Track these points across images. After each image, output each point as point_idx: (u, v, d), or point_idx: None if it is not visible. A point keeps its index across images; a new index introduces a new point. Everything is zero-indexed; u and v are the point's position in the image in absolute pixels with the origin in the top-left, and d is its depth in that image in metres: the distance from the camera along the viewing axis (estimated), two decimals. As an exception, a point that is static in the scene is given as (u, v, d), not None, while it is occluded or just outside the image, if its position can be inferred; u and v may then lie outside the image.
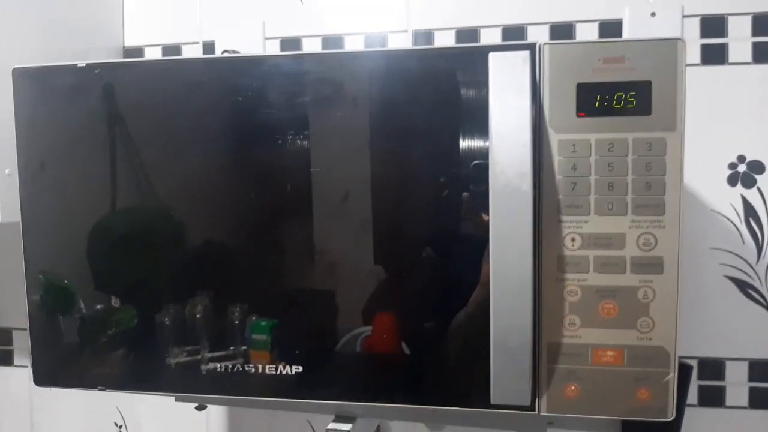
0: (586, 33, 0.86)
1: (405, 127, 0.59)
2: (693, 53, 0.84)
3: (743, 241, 0.85)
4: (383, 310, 0.60)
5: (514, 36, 0.88)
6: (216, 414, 1.00)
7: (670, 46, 0.53)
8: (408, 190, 0.59)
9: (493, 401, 0.53)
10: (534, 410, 0.56)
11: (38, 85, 0.64)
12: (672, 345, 0.54)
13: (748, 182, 0.84)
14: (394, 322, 0.60)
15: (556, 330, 0.55)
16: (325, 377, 0.61)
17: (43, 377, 0.67)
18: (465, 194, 0.56)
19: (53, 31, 0.83)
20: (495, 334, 0.52)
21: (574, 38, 0.87)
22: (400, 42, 0.91)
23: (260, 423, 0.98)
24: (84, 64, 0.62)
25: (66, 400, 1.05)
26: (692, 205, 0.84)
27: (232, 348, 0.62)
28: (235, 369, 0.62)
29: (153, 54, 0.99)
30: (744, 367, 0.85)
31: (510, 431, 0.68)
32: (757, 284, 0.84)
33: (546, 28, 0.87)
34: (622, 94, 0.54)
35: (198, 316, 0.63)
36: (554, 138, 0.54)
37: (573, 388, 0.55)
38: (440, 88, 0.57)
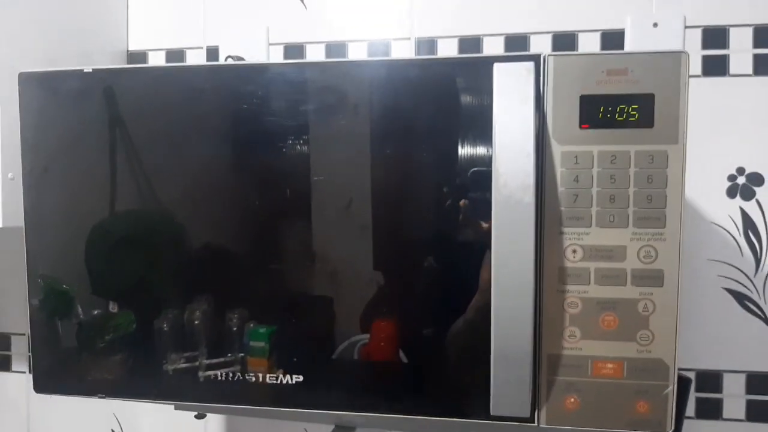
0: (589, 43, 0.87)
1: (406, 135, 0.59)
2: (694, 64, 0.84)
3: (742, 253, 0.85)
4: (381, 317, 0.60)
5: (516, 45, 0.88)
6: (214, 422, 0.99)
7: (674, 59, 0.53)
8: (408, 198, 0.60)
9: (492, 412, 0.53)
10: (533, 422, 0.56)
11: (44, 90, 0.64)
12: (671, 358, 0.54)
13: (747, 194, 0.84)
14: (392, 330, 0.60)
15: (556, 342, 0.55)
16: (324, 386, 0.61)
17: (44, 384, 0.67)
18: (463, 201, 0.56)
19: (57, 35, 0.83)
20: (496, 344, 0.52)
21: (577, 48, 0.87)
22: (403, 49, 0.91)
23: (258, 429, 0.98)
24: (90, 70, 0.62)
25: (63, 406, 1.04)
26: (691, 216, 0.84)
27: (230, 355, 0.62)
28: (234, 378, 0.62)
29: (157, 58, 0.99)
30: (741, 379, 0.85)
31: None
32: (755, 296, 0.85)
33: (549, 38, 0.88)
34: (625, 107, 0.54)
35: (196, 322, 0.62)
36: (557, 149, 0.55)
37: (572, 400, 0.55)
38: (443, 98, 0.58)
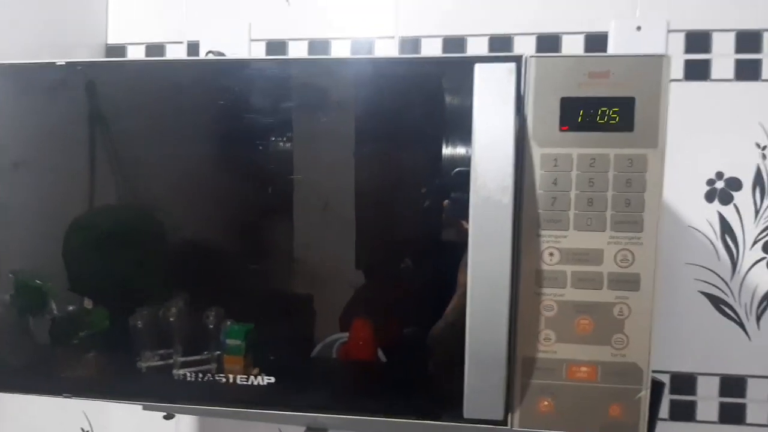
0: (573, 45, 0.87)
1: (389, 134, 0.58)
2: (676, 68, 0.85)
3: (719, 257, 0.85)
4: (361, 316, 0.59)
5: (500, 45, 0.88)
6: (185, 421, 0.98)
7: (655, 63, 0.53)
8: (391, 197, 0.59)
9: (466, 415, 0.53)
10: (507, 425, 0.55)
11: (14, 83, 0.62)
12: (645, 362, 0.54)
13: (725, 199, 0.85)
14: (372, 329, 0.59)
15: (531, 344, 0.55)
16: (298, 388, 0.60)
17: (7, 382, 0.65)
18: (446, 202, 0.56)
19: (35, 28, 0.81)
20: (470, 347, 0.52)
21: (560, 50, 0.87)
22: (387, 48, 0.91)
23: (230, 430, 0.97)
24: (63, 63, 0.61)
25: (32, 404, 1.02)
26: (669, 220, 0.85)
27: (206, 353, 0.61)
28: (206, 378, 0.61)
29: (136, 52, 0.97)
30: (715, 382, 0.86)
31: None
32: (730, 300, 0.85)
33: (533, 39, 0.88)
34: (605, 110, 0.54)
35: (172, 319, 0.61)
36: (537, 152, 0.54)
37: (546, 403, 0.55)
38: (425, 97, 0.57)
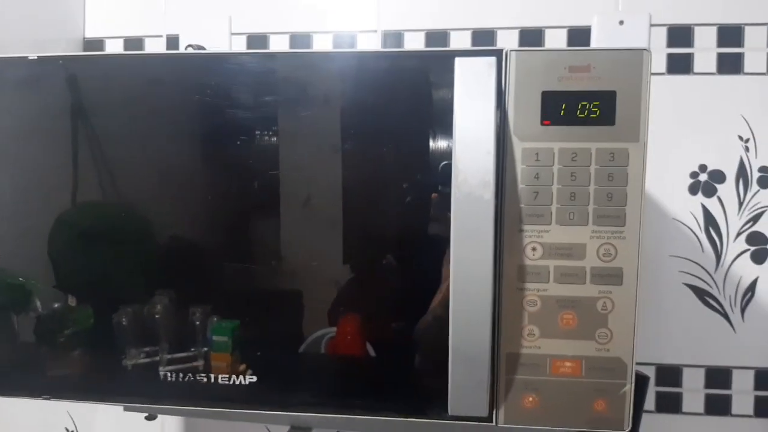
0: (556, 39, 0.87)
1: (374, 128, 0.58)
2: (659, 62, 0.85)
3: (702, 249, 0.86)
4: (349, 310, 0.59)
5: (483, 39, 0.88)
6: (171, 421, 0.97)
7: (636, 57, 0.53)
8: (377, 191, 0.58)
9: (450, 412, 0.53)
10: (492, 422, 0.55)
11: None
12: (629, 357, 0.54)
13: (709, 191, 0.85)
14: (359, 323, 0.59)
15: (515, 340, 0.55)
16: (283, 385, 0.60)
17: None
18: (434, 195, 0.56)
19: (11, 21, 0.79)
20: (454, 344, 0.51)
21: (544, 44, 0.87)
22: (370, 42, 0.90)
23: (217, 430, 0.96)
24: (35, 57, 0.60)
25: (14, 404, 1.01)
26: (653, 212, 0.85)
27: (192, 349, 0.61)
28: (190, 377, 0.61)
29: (114, 46, 0.95)
30: (701, 373, 0.86)
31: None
32: (714, 292, 0.86)
33: (516, 33, 0.87)
34: (586, 104, 0.53)
35: (157, 316, 0.61)
36: (518, 146, 0.54)
37: (531, 399, 0.55)
38: (408, 91, 0.57)
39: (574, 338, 0.54)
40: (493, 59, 0.51)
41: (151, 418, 0.81)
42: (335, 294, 0.59)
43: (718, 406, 0.86)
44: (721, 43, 0.84)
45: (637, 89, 0.53)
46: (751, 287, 0.85)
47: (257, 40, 0.92)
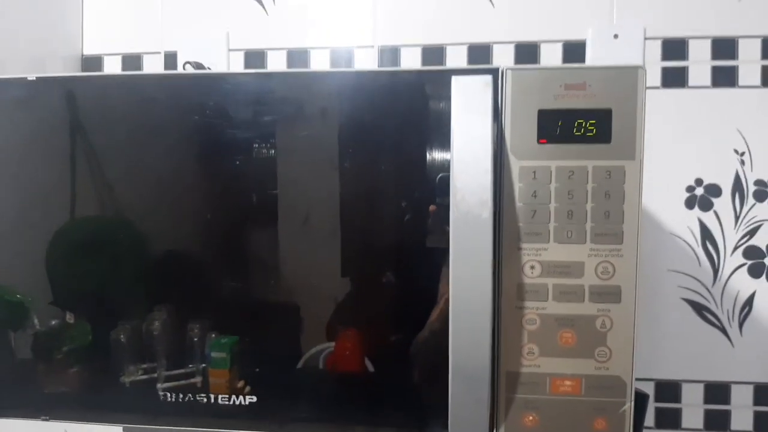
0: (551, 53, 0.87)
1: (371, 146, 0.58)
2: (654, 75, 0.85)
3: (700, 263, 0.86)
4: (348, 325, 0.59)
5: (479, 54, 0.88)
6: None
7: (631, 74, 0.53)
8: (375, 206, 0.59)
9: (451, 430, 0.52)
10: (492, 441, 0.55)
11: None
12: (629, 375, 0.54)
13: (705, 205, 0.86)
14: (357, 338, 0.59)
15: (514, 359, 0.55)
16: (281, 403, 0.60)
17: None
18: (432, 207, 0.56)
19: (9, 39, 0.79)
20: (454, 362, 0.51)
21: (539, 58, 0.87)
22: (367, 57, 0.90)
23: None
24: (34, 78, 0.60)
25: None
26: (650, 227, 0.85)
27: (190, 366, 0.60)
28: (189, 398, 0.60)
29: (113, 63, 0.96)
30: (700, 389, 0.86)
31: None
32: (712, 307, 0.86)
33: (511, 48, 0.88)
34: (582, 122, 0.54)
35: (155, 332, 0.61)
36: (515, 164, 0.54)
37: (531, 417, 0.55)
38: (404, 109, 0.57)
39: (574, 356, 0.54)
40: (489, 78, 0.52)
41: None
42: (333, 309, 0.59)
43: (717, 421, 0.86)
44: (715, 55, 0.85)
45: (632, 107, 0.53)
46: (749, 301, 0.85)
47: (255, 56, 0.92)
